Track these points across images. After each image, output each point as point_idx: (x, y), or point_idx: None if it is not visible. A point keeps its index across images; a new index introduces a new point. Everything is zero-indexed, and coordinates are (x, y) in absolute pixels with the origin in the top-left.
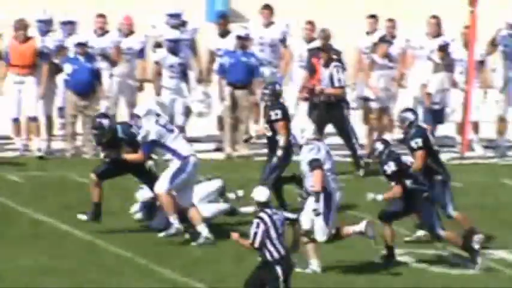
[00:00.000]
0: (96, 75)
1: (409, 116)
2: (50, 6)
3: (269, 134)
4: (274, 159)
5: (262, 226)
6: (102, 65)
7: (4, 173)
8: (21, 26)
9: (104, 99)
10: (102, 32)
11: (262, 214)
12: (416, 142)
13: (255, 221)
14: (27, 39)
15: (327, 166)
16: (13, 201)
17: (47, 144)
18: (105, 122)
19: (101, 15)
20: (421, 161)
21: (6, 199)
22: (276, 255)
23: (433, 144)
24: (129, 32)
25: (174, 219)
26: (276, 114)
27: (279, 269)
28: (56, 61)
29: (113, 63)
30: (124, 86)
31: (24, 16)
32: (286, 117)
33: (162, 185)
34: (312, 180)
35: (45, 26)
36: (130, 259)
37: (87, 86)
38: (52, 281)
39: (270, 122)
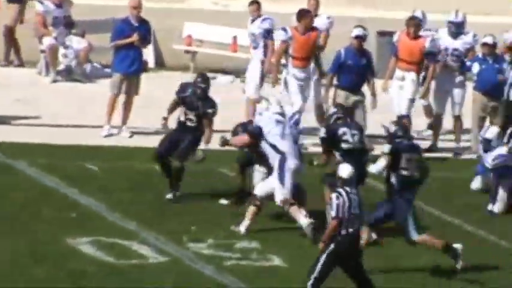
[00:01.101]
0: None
1: None
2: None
3: None
4: None
5: (341, 199)
6: None
7: None
8: (413, 23)
9: None
10: None
11: (340, 189)
12: None
13: (334, 194)
14: (417, 37)
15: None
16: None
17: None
18: None
19: None
20: None
21: None
22: (341, 231)
23: None
24: None
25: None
26: None
27: (332, 246)
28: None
29: None
30: None
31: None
32: None
33: None
34: None
35: (456, 28)
36: None
37: (495, 87)
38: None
39: None
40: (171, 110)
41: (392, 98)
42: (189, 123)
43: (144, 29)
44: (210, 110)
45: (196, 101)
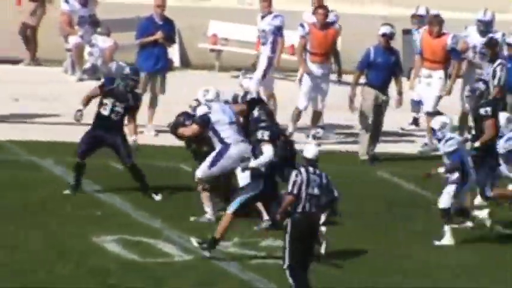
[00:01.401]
0: None
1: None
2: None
3: None
4: None
5: (299, 176)
6: None
7: None
8: (436, 21)
9: None
10: None
11: (302, 168)
12: (486, 110)
13: (294, 172)
14: (440, 35)
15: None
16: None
17: None
18: None
19: None
20: (492, 130)
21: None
22: (296, 209)
23: None
24: None
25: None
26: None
27: (289, 223)
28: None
29: None
30: None
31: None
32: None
33: None
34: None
35: (484, 26)
36: None
37: None
38: None
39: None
40: (88, 101)
41: (420, 95)
42: (113, 116)
43: (168, 28)
44: (138, 102)
45: (127, 93)
